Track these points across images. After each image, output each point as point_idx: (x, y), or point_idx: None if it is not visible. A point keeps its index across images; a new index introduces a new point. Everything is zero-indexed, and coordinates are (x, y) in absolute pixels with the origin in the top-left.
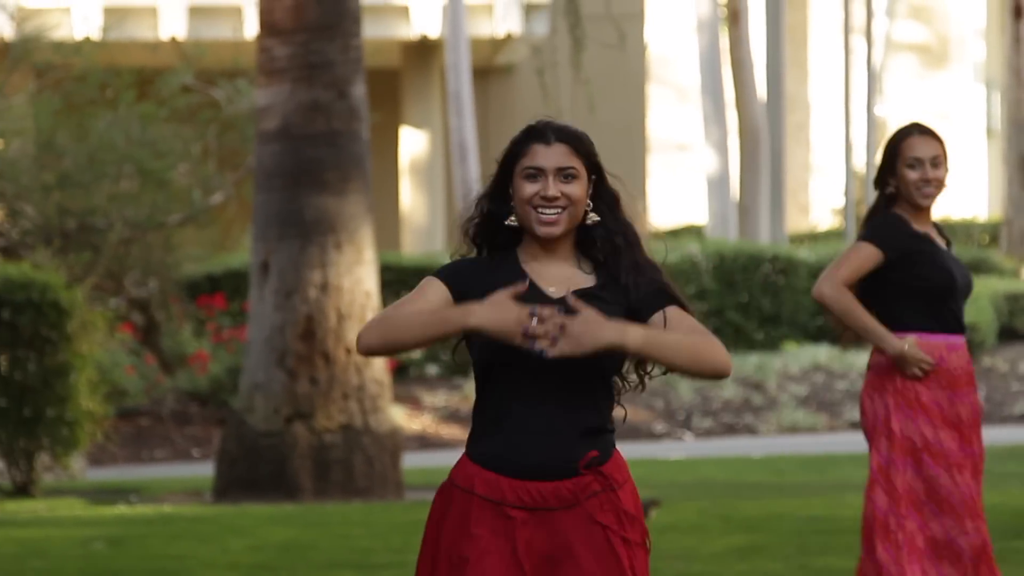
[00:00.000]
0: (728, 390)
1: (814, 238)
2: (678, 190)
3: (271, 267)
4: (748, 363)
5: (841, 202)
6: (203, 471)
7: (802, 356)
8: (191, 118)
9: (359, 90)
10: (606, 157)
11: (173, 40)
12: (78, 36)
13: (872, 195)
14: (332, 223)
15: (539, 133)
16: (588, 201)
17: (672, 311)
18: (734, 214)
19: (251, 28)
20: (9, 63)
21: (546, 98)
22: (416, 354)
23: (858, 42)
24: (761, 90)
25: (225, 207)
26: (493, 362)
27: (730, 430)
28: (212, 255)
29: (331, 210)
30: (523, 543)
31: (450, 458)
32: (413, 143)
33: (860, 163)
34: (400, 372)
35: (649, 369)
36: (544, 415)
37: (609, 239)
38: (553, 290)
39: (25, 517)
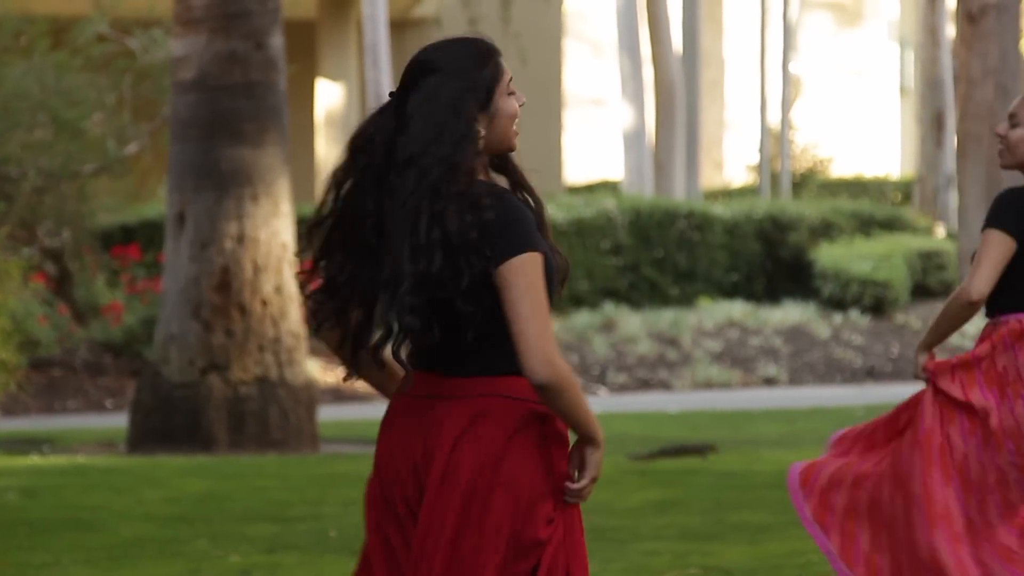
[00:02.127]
0: (643, 345)
1: (729, 194)
2: (594, 145)
3: (187, 218)
4: (663, 318)
5: (756, 159)
6: (116, 422)
7: (716, 312)
8: (106, 67)
9: (277, 41)
10: (524, 111)
11: None
12: None
13: (784, 151)
14: (249, 174)
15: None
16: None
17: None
18: (650, 170)
19: None
20: None
21: None
22: None
23: None
24: (677, 46)
25: (140, 157)
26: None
27: (645, 385)
28: (126, 205)
29: (248, 161)
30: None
31: (364, 411)
32: (329, 95)
33: (774, 120)
34: None
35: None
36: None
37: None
38: None
39: None
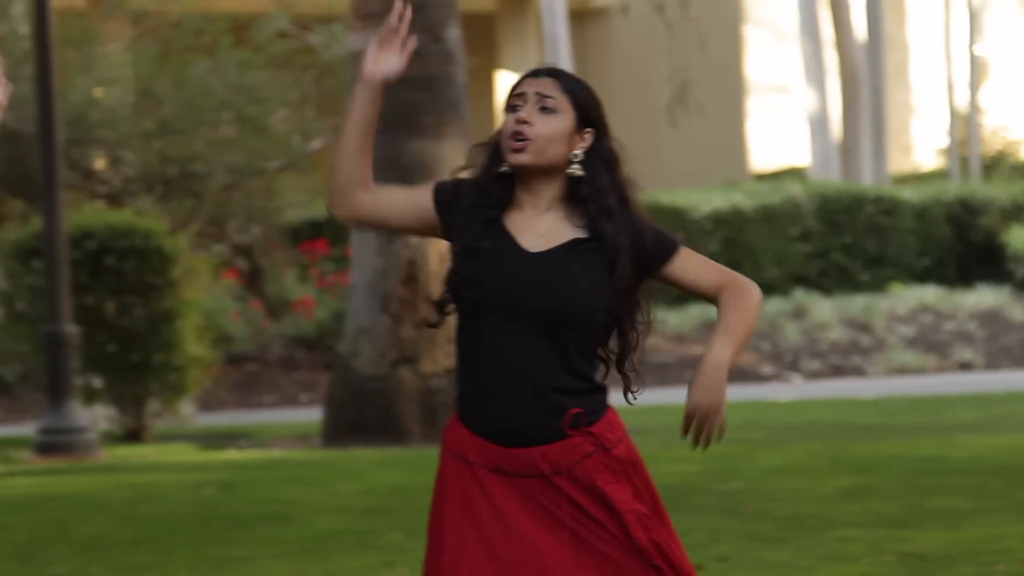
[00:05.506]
0: (835, 332)
1: (918, 179)
2: (779, 132)
3: None
4: (855, 304)
5: (945, 142)
6: (311, 416)
7: (909, 297)
8: (288, 64)
9: (454, 33)
10: (707, 99)
11: None
12: None
13: (973, 134)
14: (430, 167)
15: (533, 70)
16: (575, 153)
17: (686, 255)
18: (836, 155)
19: None
20: (105, 11)
21: (654, 37)
22: None
23: None
24: (859, 31)
25: (325, 153)
26: (466, 307)
27: (838, 372)
28: (313, 201)
29: (429, 154)
30: (523, 501)
31: None
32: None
33: (962, 103)
34: None
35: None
36: (523, 374)
37: (596, 198)
38: (543, 240)
39: (136, 463)
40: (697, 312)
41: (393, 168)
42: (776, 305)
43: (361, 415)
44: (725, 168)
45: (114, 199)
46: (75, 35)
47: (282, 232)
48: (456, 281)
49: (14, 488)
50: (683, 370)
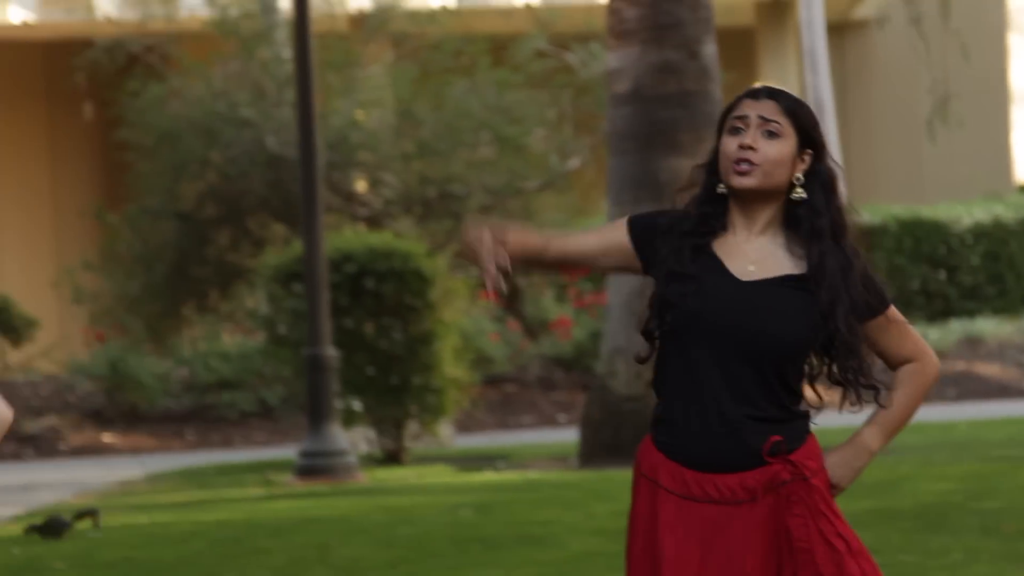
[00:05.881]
0: None
1: None
2: None
3: None
4: None
5: None
6: (569, 437)
7: None
8: (546, 83)
9: (710, 49)
10: (969, 110)
11: (526, 5)
12: (433, 5)
13: None
14: None
15: (752, 91)
16: (798, 176)
17: (890, 317)
18: None
19: None
20: (366, 33)
21: (915, 49)
22: None
23: None
24: None
25: (583, 172)
26: (667, 331)
27: None
28: (571, 220)
29: (685, 172)
30: (710, 537)
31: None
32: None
33: None
34: None
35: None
36: (724, 400)
37: (813, 220)
38: (753, 268)
39: (394, 485)
40: (958, 327)
41: (649, 186)
42: None
43: (618, 435)
44: (988, 180)
45: (374, 221)
46: (336, 58)
47: None
48: (658, 304)
49: (275, 511)
50: (944, 387)
